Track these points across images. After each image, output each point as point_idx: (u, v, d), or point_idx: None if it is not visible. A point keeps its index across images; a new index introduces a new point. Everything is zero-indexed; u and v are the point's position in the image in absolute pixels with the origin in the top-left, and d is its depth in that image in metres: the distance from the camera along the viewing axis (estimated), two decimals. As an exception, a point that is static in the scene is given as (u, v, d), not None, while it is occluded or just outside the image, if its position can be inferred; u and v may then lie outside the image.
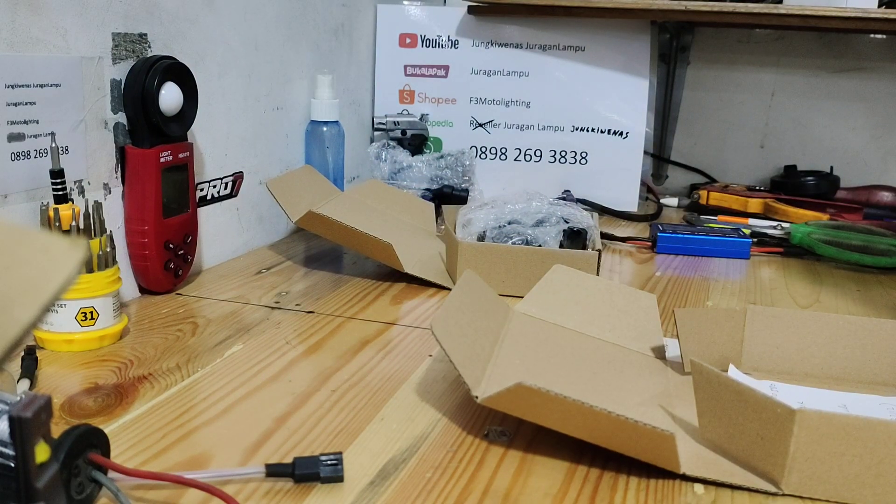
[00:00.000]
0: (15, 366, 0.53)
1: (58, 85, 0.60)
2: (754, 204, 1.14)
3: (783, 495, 0.43)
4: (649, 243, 0.98)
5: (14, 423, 0.29)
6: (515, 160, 1.20)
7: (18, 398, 0.30)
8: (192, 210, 0.73)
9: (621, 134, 1.17)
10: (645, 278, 0.85)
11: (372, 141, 1.18)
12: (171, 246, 0.70)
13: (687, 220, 1.12)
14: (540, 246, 0.77)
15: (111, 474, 0.38)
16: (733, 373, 0.57)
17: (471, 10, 1.16)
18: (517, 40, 1.17)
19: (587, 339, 0.60)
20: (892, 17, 0.97)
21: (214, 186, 0.81)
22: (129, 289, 0.69)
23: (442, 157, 1.11)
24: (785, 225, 1.04)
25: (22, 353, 0.54)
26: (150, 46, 0.69)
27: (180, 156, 0.70)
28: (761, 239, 1.01)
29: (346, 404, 0.51)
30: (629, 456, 0.45)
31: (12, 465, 0.30)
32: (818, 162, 1.27)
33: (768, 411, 0.43)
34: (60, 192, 0.58)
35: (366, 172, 1.15)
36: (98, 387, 0.52)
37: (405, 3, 1.20)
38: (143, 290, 0.71)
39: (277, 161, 0.93)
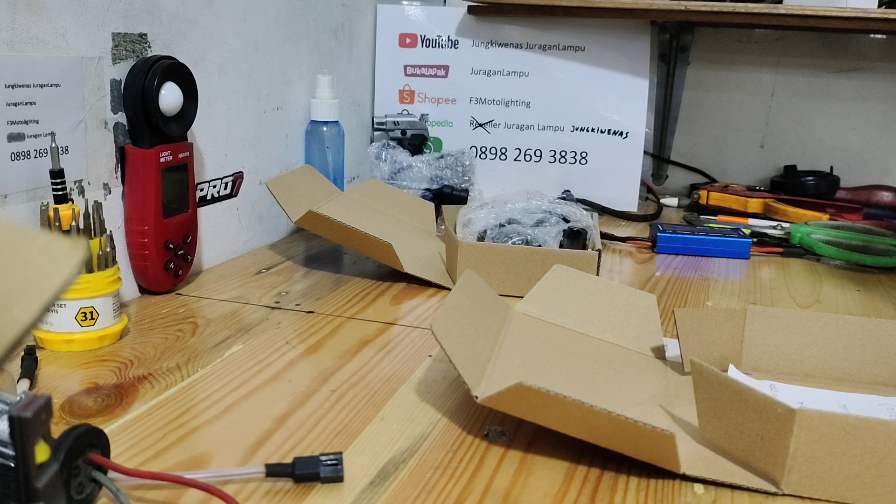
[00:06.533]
0: (15, 366, 0.53)
1: (58, 85, 0.60)
2: (754, 204, 1.14)
3: (783, 495, 0.43)
4: (649, 243, 0.98)
5: (14, 423, 0.29)
6: (515, 160, 1.20)
7: (18, 398, 0.30)
8: (191, 210, 0.73)
9: (621, 134, 1.17)
10: (645, 278, 0.85)
11: (372, 141, 1.18)
12: (170, 246, 0.70)
13: (687, 220, 1.12)
14: (540, 246, 0.77)
15: (111, 474, 0.38)
16: (733, 373, 0.57)
17: (471, 10, 1.16)
18: (517, 40, 1.17)
19: (587, 339, 0.60)
20: (892, 17, 0.97)
21: (214, 186, 0.81)
22: (129, 289, 0.69)
23: (442, 157, 1.11)
24: (785, 225, 1.04)
25: (22, 353, 0.54)
26: (150, 46, 0.69)
27: (180, 156, 0.70)
28: (761, 239, 1.01)
29: (346, 404, 0.51)
30: (629, 456, 0.45)
31: (12, 465, 0.30)
32: (818, 162, 1.27)
33: (768, 411, 0.43)
34: (60, 192, 0.58)
35: (366, 172, 1.15)
36: (98, 387, 0.52)
37: (405, 3, 1.20)
38: (143, 290, 0.71)
39: (277, 161, 0.93)
